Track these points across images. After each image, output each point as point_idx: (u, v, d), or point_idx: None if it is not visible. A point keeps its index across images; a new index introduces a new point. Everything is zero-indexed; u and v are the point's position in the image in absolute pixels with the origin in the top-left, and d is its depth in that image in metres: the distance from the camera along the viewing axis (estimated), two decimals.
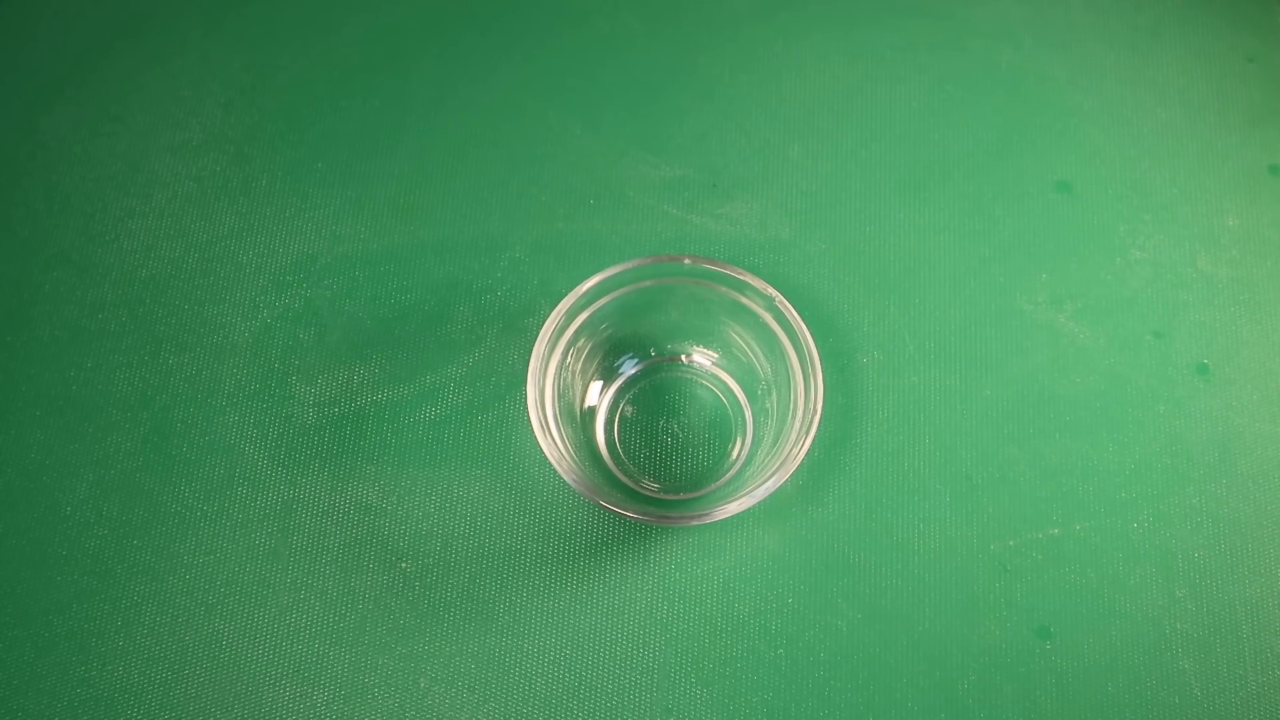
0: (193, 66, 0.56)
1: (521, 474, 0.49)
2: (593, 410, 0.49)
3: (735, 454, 0.49)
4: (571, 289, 0.46)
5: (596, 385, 0.50)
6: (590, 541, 0.48)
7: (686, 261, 0.46)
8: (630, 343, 0.49)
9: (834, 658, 0.46)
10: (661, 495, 0.48)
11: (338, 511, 0.48)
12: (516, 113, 0.54)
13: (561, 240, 0.52)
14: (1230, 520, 0.48)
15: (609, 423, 0.49)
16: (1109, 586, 0.47)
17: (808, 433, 0.44)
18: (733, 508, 0.43)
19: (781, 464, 0.43)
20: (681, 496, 0.48)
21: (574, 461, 0.44)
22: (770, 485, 0.43)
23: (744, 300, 0.46)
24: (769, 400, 0.48)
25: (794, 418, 0.45)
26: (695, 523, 0.47)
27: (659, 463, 0.49)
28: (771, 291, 0.45)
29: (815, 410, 0.44)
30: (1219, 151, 0.55)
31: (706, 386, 0.50)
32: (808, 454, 0.43)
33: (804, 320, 0.45)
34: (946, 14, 0.58)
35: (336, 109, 0.54)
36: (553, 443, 0.44)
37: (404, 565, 0.47)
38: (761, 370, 0.48)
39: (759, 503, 0.43)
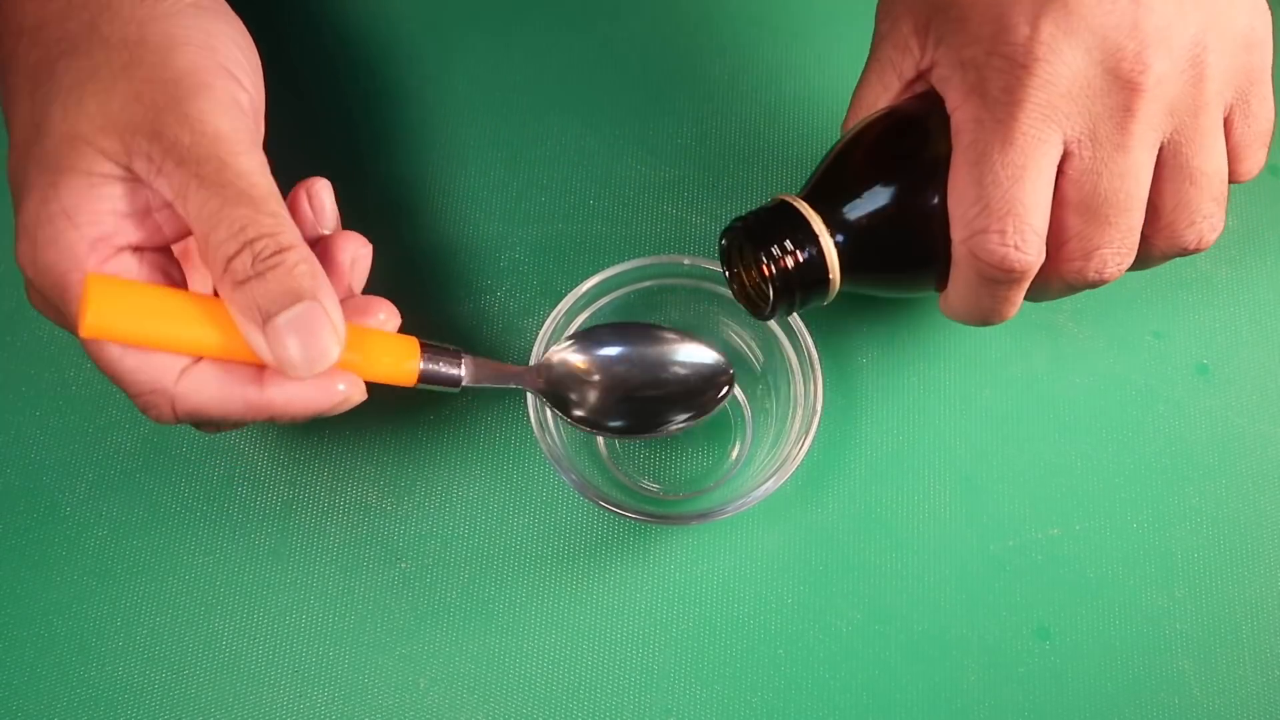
0: None
1: (521, 474, 0.49)
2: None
3: (735, 454, 0.49)
4: (571, 289, 0.46)
5: None
6: (590, 541, 0.48)
7: (686, 262, 0.46)
8: None
9: (834, 658, 0.46)
10: (661, 495, 0.48)
11: (338, 511, 0.48)
12: (516, 113, 0.54)
13: (561, 240, 0.52)
14: (1230, 520, 0.48)
15: None
16: (1109, 586, 0.47)
17: (807, 433, 0.44)
18: (732, 508, 0.43)
19: (781, 464, 0.43)
20: (681, 496, 0.48)
21: (574, 462, 0.44)
22: (770, 485, 0.43)
23: None
24: (768, 401, 0.48)
25: (794, 418, 0.45)
26: (695, 523, 0.47)
27: (659, 463, 0.49)
28: None
29: (815, 410, 0.44)
30: None
31: None
32: (807, 454, 0.43)
33: (803, 320, 0.45)
34: None
35: (336, 110, 0.54)
36: (552, 443, 0.44)
37: (403, 565, 0.47)
38: (761, 370, 0.48)
39: (759, 503, 0.43)
